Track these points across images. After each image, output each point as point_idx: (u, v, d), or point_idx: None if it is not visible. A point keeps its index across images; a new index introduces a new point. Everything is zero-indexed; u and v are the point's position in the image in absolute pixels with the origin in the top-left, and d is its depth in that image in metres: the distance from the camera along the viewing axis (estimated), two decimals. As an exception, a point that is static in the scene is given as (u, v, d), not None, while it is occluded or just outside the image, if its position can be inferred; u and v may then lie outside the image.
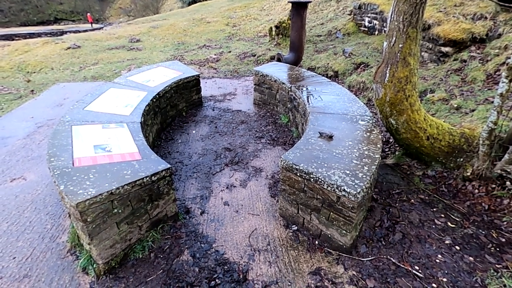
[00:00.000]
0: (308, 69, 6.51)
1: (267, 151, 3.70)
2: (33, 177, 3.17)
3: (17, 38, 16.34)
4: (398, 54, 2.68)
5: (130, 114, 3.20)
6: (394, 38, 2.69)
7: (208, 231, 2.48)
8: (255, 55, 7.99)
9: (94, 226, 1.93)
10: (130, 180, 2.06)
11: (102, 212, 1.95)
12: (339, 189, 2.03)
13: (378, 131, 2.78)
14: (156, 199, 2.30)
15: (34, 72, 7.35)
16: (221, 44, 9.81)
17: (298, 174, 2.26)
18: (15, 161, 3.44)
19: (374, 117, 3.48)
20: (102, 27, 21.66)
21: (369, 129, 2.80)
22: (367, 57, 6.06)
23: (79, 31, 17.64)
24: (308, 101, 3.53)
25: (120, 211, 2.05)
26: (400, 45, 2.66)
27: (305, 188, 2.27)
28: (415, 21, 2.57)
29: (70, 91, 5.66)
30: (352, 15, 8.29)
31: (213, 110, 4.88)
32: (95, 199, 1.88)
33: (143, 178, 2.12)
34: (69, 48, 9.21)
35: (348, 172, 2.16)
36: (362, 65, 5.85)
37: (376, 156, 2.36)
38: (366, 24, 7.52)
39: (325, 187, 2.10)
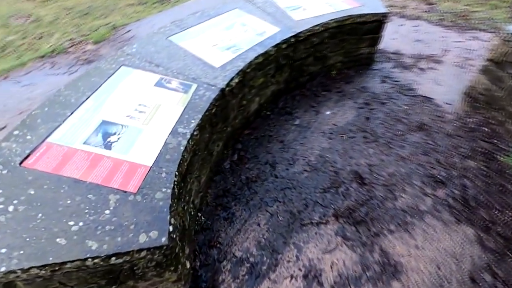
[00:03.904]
0: None
1: (436, 228, 1.73)
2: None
3: None
4: None
5: (220, 66, 1.90)
6: None
7: None
8: (520, -8, 4.43)
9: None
10: (70, 259, 0.94)
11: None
12: None
13: None
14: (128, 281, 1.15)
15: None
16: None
17: None
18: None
19: None
20: None
21: None
22: None
23: None
24: None
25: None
26: None
27: None
28: None
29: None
30: None
31: (383, 82, 2.87)
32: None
33: (86, 259, 0.96)
34: None
35: None
36: None
37: None
38: None
39: None
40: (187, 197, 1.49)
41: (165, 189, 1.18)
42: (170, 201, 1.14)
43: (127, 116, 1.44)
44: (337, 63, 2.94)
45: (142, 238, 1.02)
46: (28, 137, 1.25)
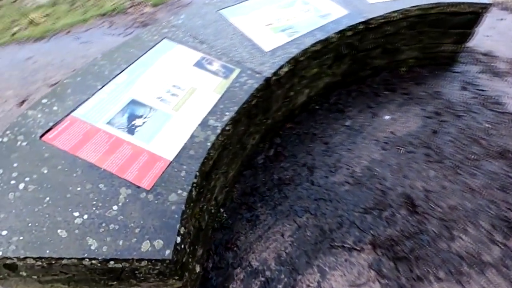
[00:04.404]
0: None
1: (499, 287, 1.40)
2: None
3: None
4: None
5: (270, 50, 1.67)
6: None
7: None
8: None
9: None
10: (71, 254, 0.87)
11: None
12: None
13: None
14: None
15: None
16: None
17: None
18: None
19: None
20: None
21: None
22: None
23: None
24: None
25: None
26: None
27: None
28: None
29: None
30: None
31: (464, 89, 2.39)
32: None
33: (84, 259, 0.87)
34: None
35: None
36: None
37: None
38: None
39: None
40: (209, 195, 1.36)
41: (181, 191, 1.04)
42: (183, 207, 1.01)
43: (157, 98, 1.31)
44: (409, 59, 2.49)
45: (145, 246, 0.91)
46: (55, 107, 1.19)
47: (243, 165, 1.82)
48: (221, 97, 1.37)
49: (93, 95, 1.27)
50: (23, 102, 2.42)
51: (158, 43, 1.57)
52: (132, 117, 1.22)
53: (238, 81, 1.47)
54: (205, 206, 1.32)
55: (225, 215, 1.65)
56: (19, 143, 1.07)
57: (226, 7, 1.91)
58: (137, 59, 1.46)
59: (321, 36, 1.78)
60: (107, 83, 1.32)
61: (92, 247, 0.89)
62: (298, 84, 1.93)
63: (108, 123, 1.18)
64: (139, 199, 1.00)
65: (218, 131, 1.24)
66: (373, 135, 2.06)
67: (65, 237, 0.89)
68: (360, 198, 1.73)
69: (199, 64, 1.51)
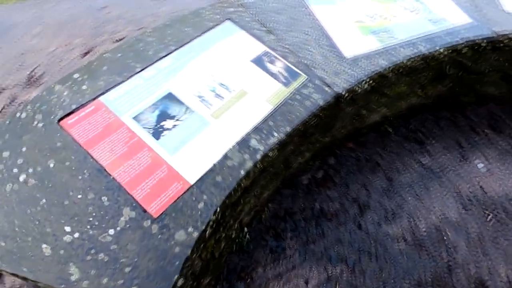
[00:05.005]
0: None
1: None
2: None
3: None
4: None
5: (352, 57, 1.31)
6: None
7: None
8: None
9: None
10: None
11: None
12: None
13: None
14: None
15: None
16: None
17: None
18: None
19: None
20: None
21: None
22: None
23: None
24: None
25: None
26: None
27: None
28: None
29: None
30: None
31: None
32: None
33: (60, 289, 0.74)
34: None
35: None
36: None
37: None
38: None
39: None
40: (230, 223, 1.15)
41: (192, 229, 0.84)
42: (189, 252, 0.80)
43: (198, 97, 1.09)
44: (536, 94, 1.87)
45: (131, 294, 0.74)
46: (84, 86, 1.04)
47: (284, 182, 1.56)
48: (273, 110, 1.10)
49: (128, 78, 1.09)
50: (87, 53, 2.41)
51: (218, 24, 1.31)
52: (162, 116, 1.02)
53: (300, 92, 1.16)
54: (223, 235, 1.11)
55: (248, 236, 1.44)
56: (35, 122, 0.95)
57: (311, -11, 1.55)
58: (190, 41, 1.23)
59: (425, 49, 1.35)
60: (147, 67, 1.13)
61: (72, 278, 0.74)
62: (376, 103, 1.54)
63: (135, 118, 1.00)
64: (141, 227, 0.82)
65: (258, 156, 0.99)
66: (456, 186, 1.61)
67: (48, 255, 0.76)
68: (416, 265, 1.37)
69: (258, 61, 1.23)
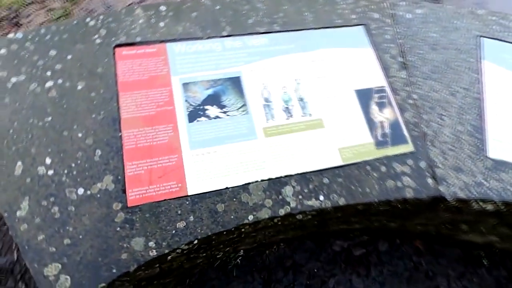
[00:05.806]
0: None
1: None
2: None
3: None
4: None
5: (496, 159, 0.86)
6: None
7: None
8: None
9: None
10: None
11: None
12: None
13: None
14: None
15: None
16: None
17: None
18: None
19: None
20: None
21: None
22: None
23: None
24: None
25: None
26: None
27: None
28: None
29: None
30: None
31: None
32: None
33: None
34: None
35: None
36: None
37: None
38: None
39: None
40: (219, 247, 0.95)
41: (153, 244, 0.67)
42: (131, 270, 0.64)
43: (265, 99, 0.85)
44: None
45: (52, 269, 0.63)
46: (162, 24, 0.90)
47: (311, 233, 1.27)
48: (340, 167, 0.79)
49: (208, 38, 0.90)
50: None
51: (348, 25, 0.99)
52: (212, 99, 0.83)
53: (390, 164, 0.82)
54: (204, 255, 0.93)
55: (238, 261, 1.24)
56: (95, 36, 0.86)
57: None
58: (302, 29, 0.96)
59: None
60: (236, 35, 0.92)
61: (18, 213, 0.66)
62: (490, 228, 1.06)
63: (184, 84, 0.83)
64: (107, 206, 0.69)
65: (282, 212, 0.73)
66: None
67: (16, 176, 0.70)
68: None
69: (365, 94, 0.90)
